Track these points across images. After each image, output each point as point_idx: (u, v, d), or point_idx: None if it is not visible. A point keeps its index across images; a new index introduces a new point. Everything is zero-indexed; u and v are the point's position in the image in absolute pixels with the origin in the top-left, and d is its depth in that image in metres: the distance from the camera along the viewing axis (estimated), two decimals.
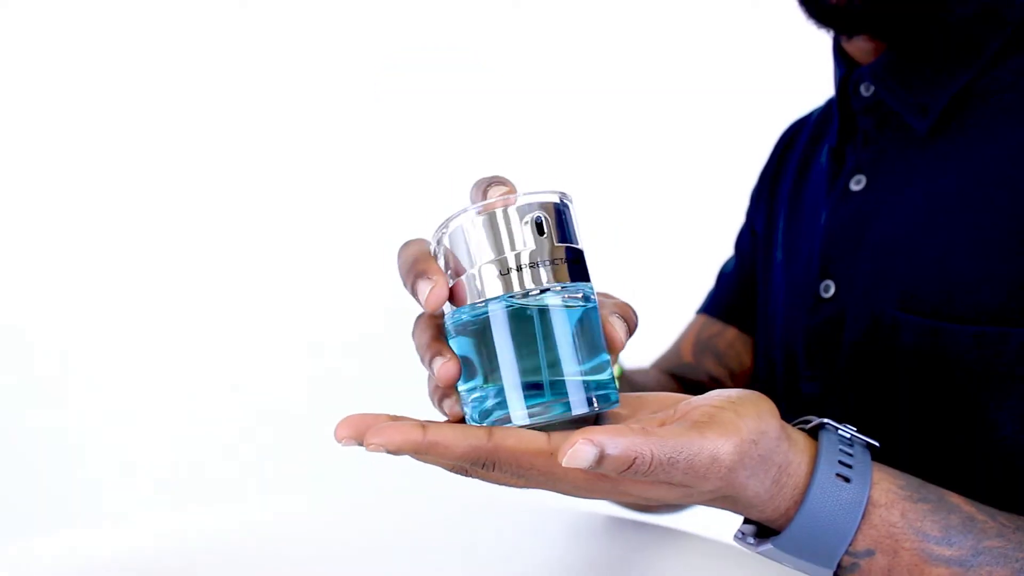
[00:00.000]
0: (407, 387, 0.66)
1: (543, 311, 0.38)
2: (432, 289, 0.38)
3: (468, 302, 0.38)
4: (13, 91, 1.60)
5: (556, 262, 0.38)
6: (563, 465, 0.35)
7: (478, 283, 0.38)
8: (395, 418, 0.38)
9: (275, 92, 1.65)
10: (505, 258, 0.38)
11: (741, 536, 0.44)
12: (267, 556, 0.59)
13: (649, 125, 1.63)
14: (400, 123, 1.66)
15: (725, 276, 0.82)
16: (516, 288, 0.37)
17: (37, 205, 1.62)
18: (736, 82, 1.57)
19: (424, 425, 0.36)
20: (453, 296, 0.39)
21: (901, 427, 0.57)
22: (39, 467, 1.62)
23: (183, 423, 1.65)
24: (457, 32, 1.65)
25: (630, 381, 0.72)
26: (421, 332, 0.41)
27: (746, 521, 0.44)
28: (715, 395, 0.41)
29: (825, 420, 0.44)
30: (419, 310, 0.42)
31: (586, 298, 0.39)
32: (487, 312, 0.38)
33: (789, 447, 0.41)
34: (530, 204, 0.38)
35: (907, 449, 0.55)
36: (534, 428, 0.38)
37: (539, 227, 0.38)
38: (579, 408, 0.38)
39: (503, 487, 0.41)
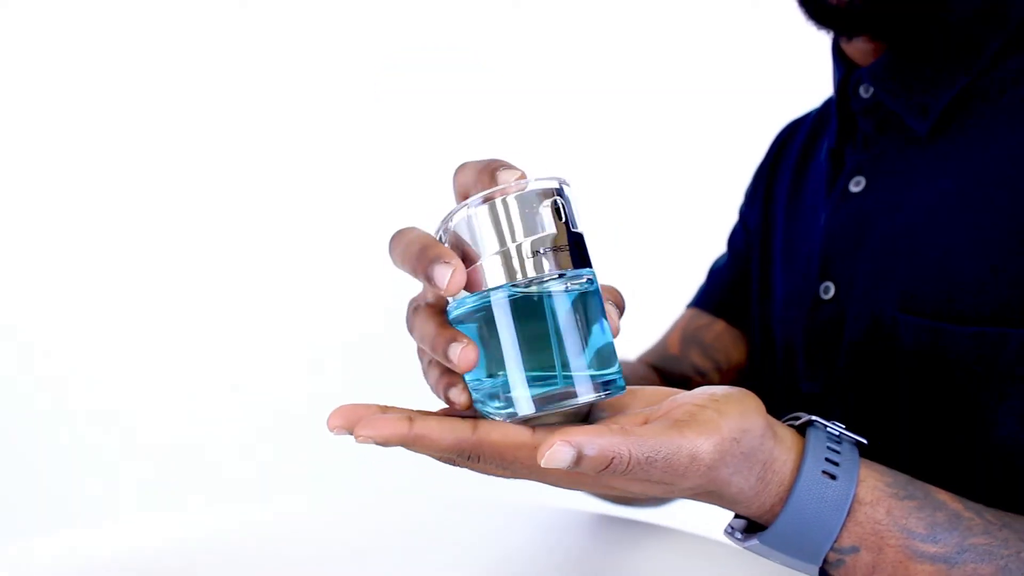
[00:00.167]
0: (407, 387, 0.66)
1: (550, 298, 0.38)
2: (453, 273, 0.37)
3: (483, 288, 0.38)
4: (13, 91, 1.61)
5: (562, 248, 0.38)
6: (541, 466, 0.35)
7: (488, 270, 0.37)
8: (385, 409, 0.38)
9: (275, 92, 1.66)
10: (514, 245, 0.37)
11: (731, 531, 0.45)
12: (267, 556, 0.59)
13: (648, 125, 1.63)
14: (400, 123, 1.66)
15: (716, 271, 0.82)
16: (522, 276, 0.37)
17: (37, 205, 1.62)
18: (735, 82, 1.57)
19: (411, 417, 0.37)
20: (467, 282, 0.38)
21: (901, 427, 0.57)
22: (39, 467, 1.62)
23: (183, 423, 1.65)
24: (457, 32, 1.65)
25: None
26: (425, 322, 0.40)
27: (737, 516, 0.44)
28: (700, 392, 0.41)
29: (813, 417, 0.44)
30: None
31: (590, 283, 0.39)
32: (491, 300, 0.37)
33: (775, 444, 0.41)
34: (544, 190, 0.38)
35: (907, 449, 0.55)
36: (540, 417, 0.38)
37: (557, 212, 0.38)
38: (586, 395, 0.38)
39: (491, 477, 0.41)
